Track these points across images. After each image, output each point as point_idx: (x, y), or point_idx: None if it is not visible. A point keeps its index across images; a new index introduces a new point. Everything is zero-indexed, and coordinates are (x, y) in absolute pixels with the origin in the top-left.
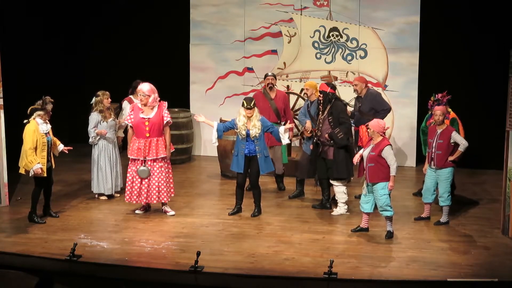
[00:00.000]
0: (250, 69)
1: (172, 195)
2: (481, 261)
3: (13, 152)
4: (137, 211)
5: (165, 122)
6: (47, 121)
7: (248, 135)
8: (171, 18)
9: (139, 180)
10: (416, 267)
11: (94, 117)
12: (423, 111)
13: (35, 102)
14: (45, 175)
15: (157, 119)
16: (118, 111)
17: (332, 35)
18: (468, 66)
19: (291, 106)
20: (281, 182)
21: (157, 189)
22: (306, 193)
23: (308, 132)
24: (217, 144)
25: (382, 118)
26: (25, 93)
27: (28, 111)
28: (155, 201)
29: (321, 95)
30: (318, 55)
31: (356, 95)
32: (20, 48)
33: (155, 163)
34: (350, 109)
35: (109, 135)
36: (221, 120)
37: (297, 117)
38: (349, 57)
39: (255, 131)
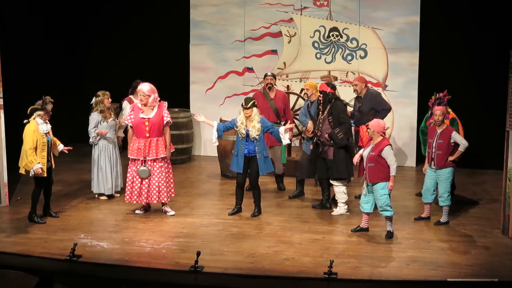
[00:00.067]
0: (250, 69)
1: (172, 195)
2: (481, 261)
3: (13, 152)
4: (137, 211)
5: (165, 122)
6: (47, 121)
7: (247, 135)
8: (171, 18)
9: (139, 180)
10: (416, 267)
11: (94, 117)
12: (423, 111)
13: (35, 102)
14: (45, 175)
15: (157, 119)
16: (118, 111)
17: (332, 35)
18: (468, 66)
19: (291, 106)
20: (281, 182)
21: (157, 189)
22: (306, 193)
23: (310, 133)
24: (217, 144)
25: (382, 118)
26: (25, 93)
27: (28, 111)
28: (155, 201)
29: (321, 95)
30: (318, 55)
31: (356, 95)
32: (20, 48)
33: (155, 163)
34: (350, 109)
35: (109, 135)
36: (221, 120)
37: (297, 117)
38: (349, 57)
39: (254, 132)
